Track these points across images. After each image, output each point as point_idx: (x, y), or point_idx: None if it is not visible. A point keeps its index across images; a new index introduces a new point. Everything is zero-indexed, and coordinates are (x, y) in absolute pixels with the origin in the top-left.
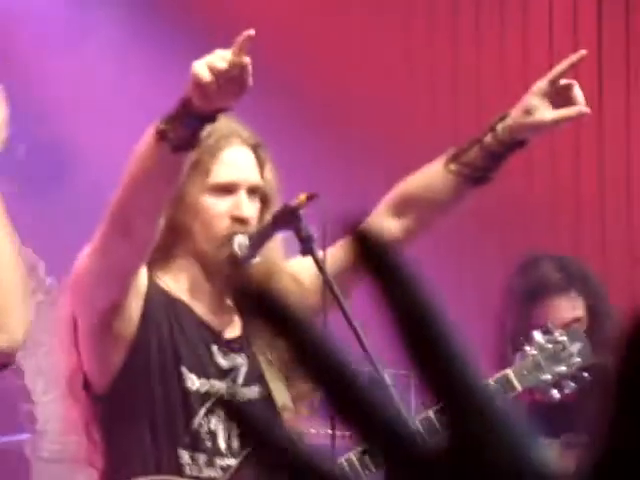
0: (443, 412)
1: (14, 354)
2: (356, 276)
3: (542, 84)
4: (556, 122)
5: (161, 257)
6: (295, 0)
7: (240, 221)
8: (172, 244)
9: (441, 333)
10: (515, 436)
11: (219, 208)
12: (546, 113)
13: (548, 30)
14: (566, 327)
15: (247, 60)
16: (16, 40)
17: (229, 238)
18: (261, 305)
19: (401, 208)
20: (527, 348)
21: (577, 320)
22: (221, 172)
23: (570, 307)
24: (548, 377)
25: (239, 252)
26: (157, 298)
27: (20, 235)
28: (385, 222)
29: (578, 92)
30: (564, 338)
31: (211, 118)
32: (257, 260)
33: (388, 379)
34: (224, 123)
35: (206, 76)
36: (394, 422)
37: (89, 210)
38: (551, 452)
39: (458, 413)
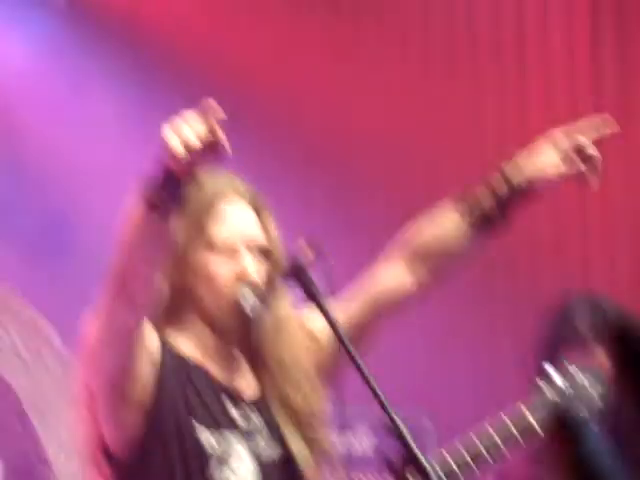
0: None
1: None
2: (370, 328)
3: (562, 139)
4: (560, 176)
5: (172, 319)
6: None
7: (247, 280)
8: (181, 306)
9: None
10: None
11: (223, 268)
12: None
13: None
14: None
15: (220, 135)
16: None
17: (238, 297)
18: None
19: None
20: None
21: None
22: (222, 230)
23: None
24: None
25: (249, 308)
26: (170, 362)
27: (34, 307)
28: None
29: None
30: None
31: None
32: (268, 316)
33: (401, 423)
34: (219, 178)
35: (181, 152)
36: None
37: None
38: None
39: None
